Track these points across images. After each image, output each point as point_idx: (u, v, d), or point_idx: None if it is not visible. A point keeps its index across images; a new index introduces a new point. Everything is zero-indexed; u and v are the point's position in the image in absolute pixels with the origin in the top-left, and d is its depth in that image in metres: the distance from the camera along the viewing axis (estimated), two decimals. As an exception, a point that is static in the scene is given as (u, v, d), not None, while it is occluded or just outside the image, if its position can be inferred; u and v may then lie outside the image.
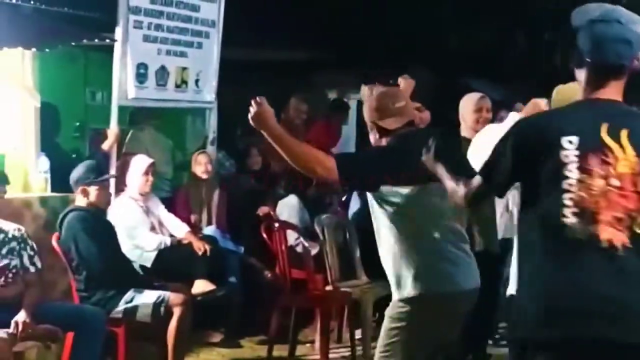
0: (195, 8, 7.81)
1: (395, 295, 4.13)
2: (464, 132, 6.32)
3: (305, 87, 10.44)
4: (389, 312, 4.16)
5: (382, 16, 11.53)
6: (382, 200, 4.08)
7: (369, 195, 4.18)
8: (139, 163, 7.09)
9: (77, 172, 6.08)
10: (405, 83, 4.84)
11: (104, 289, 5.94)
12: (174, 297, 6.05)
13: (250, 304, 7.36)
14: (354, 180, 4.13)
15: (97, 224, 6.06)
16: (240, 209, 8.07)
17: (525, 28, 11.80)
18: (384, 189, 4.03)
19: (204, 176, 7.83)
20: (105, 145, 7.06)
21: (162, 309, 5.99)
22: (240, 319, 7.31)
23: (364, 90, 4.63)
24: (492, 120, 6.40)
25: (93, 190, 6.03)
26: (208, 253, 7.07)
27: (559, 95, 3.41)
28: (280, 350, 6.98)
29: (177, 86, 7.70)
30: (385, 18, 11.49)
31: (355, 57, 11.49)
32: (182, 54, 7.71)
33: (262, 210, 7.98)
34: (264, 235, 7.18)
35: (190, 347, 6.64)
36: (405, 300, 4.06)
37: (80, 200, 6.05)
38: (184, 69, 7.75)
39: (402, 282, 4.07)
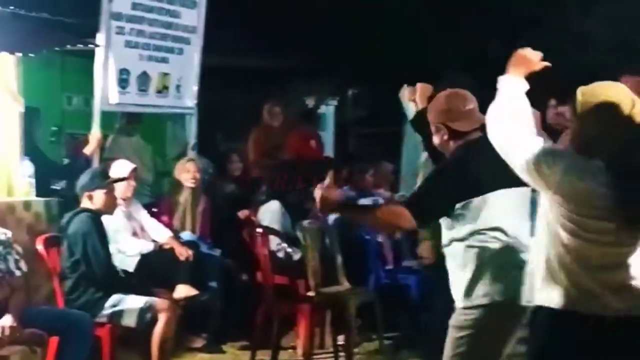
0: (176, 14, 7.84)
1: (462, 304, 4.10)
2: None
3: (283, 93, 10.46)
4: (452, 322, 4.12)
5: (360, 25, 11.56)
6: (454, 217, 4.08)
7: None
8: (121, 168, 7.04)
9: (83, 178, 6.11)
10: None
11: (91, 292, 5.94)
12: (160, 303, 6.05)
13: (233, 309, 7.33)
14: (431, 217, 4.14)
15: (102, 228, 6.11)
16: (222, 214, 8.04)
17: (499, 35, 11.87)
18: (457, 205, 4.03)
19: (192, 184, 7.75)
20: (87, 150, 7.05)
21: (149, 314, 5.98)
22: (222, 324, 7.29)
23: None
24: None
25: (100, 196, 6.05)
26: (190, 258, 7.04)
27: (586, 97, 3.38)
28: (262, 355, 6.96)
29: (159, 92, 7.72)
30: (363, 27, 11.52)
31: (334, 65, 11.51)
32: (164, 60, 7.73)
33: (243, 213, 7.96)
34: (247, 241, 7.17)
35: (172, 352, 6.58)
36: (474, 307, 4.04)
37: (87, 204, 6.06)
38: (165, 74, 7.76)
39: (471, 290, 4.04)
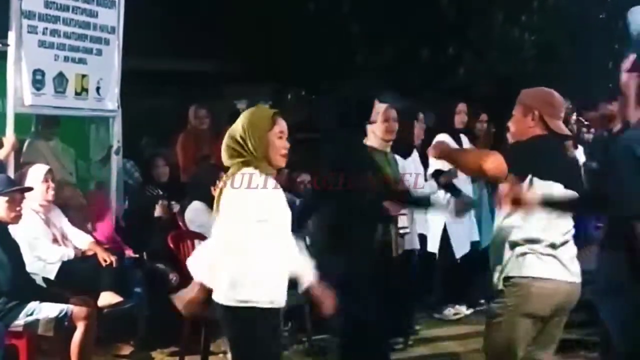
0: (93, 14, 7.60)
1: None
2: (372, 142, 6.40)
3: (213, 97, 10.30)
4: None
5: (291, 32, 11.49)
6: None
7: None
8: (36, 172, 6.78)
9: None
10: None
11: (2, 300, 5.73)
12: (77, 311, 5.89)
13: (160, 315, 7.09)
14: (523, 169, 4.29)
15: (4, 234, 5.87)
16: (148, 219, 7.79)
17: (430, 43, 11.89)
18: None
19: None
20: (1, 154, 6.76)
21: (66, 322, 5.82)
22: (150, 330, 7.10)
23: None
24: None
25: (2, 203, 5.79)
26: (114, 264, 6.82)
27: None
28: (192, 361, 6.82)
29: (77, 93, 7.43)
30: (295, 34, 11.46)
31: (265, 70, 11.39)
32: (81, 61, 7.47)
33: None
34: (172, 245, 7.00)
35: (98, 360, 6.44)
36: None
37: None
38: (84, 76, 7.48)
39: None
